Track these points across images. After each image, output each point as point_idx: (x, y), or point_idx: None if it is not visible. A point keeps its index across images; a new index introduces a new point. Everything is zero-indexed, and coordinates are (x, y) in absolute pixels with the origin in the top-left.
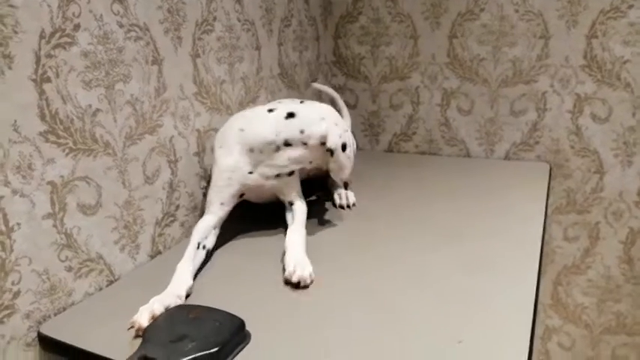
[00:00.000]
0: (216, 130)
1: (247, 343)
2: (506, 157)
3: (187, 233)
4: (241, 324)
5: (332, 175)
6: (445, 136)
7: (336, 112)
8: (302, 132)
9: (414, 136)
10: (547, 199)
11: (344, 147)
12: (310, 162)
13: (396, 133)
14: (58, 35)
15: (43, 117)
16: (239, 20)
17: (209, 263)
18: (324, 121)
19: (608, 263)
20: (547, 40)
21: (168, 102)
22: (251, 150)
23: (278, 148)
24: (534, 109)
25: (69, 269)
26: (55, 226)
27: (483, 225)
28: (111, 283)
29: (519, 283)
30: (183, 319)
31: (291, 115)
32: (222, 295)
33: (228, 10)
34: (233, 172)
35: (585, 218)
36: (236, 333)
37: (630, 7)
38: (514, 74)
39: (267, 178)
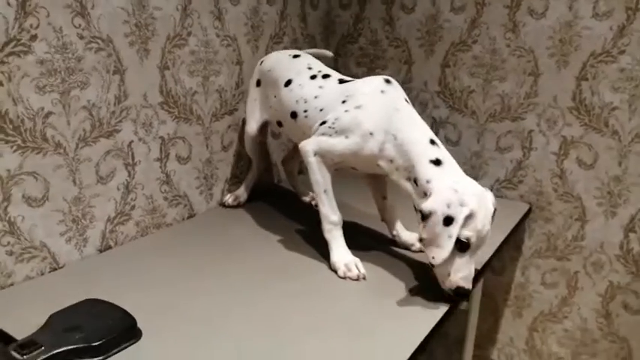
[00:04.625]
0: (182, 138)
1: (136, 341)
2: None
3: (143, 232)
4: (132, 323)
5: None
6: None
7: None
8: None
9: None
10: (523, 242)
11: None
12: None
13: None
14: (12, 44)
15: None
16: (218, 36)
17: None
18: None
19: (585, 315)
20: (536, 78)
21: (129, 109)
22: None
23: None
24: (520, 147)
25: (10, 253)
26: None
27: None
28: (54, 270)
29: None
30: (87, 312)
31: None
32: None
33: (206, 26)
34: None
35: (564, 265)
36: (125, 330)
37: (621, 52)
38: (502, 109)
39: None
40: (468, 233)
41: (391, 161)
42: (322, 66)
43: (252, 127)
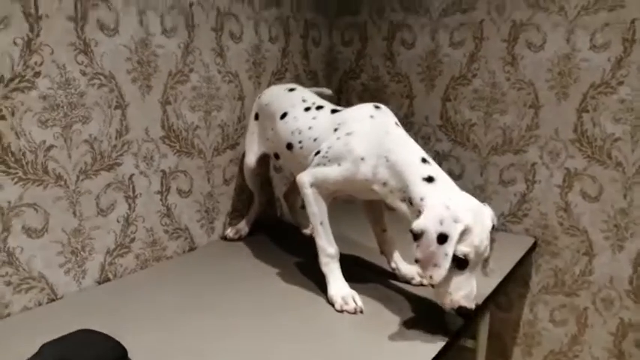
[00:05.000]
0: (183, 172)
1: None
2: (495, 228)
3: (143, 265)
4: (123, 353)
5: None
6: None
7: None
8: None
9: None
10: (530, 277)
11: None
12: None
13: None
14: (17, 80)
15: None
16: (219, 72)
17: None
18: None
19: (596, 354)
20: (537, 110)
21: (130, 143)
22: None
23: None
24: (523, 179)
25: (8, 284)
26: None
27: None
28: (52, 300)
29: None
30: (78, 342)
31: None
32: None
33: (208, 63)
34: None
35: (573, 302)
36: None
37: (620, 83)
38: (504, 142)
39: None
40: (465, 249)
41: (384, 184)
42: (316, 98)
43: (251, 159)
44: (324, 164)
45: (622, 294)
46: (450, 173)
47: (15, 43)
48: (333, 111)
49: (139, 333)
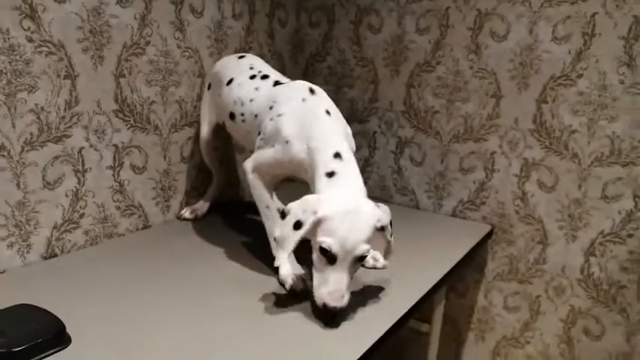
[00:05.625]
0: (137, 147)
1: (64, 348)
2: (453, 214)
3: (93, 242)
4: (60, 328)
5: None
6: (397, 185)
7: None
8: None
9: (368, 180)
10: (486, 264)
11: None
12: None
13: None
14: None
15: None
16: (179, 47)
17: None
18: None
19: (547, 341)
20: (499, 100)
21: (80, 115)
22: None
23: None
24: (482, 168)
25: None
26: None
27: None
28: None
29: None
30: (14, 316)
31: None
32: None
33: (166, 36)
34: None
35: (526, 289)
36: (52, 336)
37: (580, 76)
38: (465, 130)
39: None
40: (326, 240)
41: (306, 170)
42: (265, 67)
43: (205, 130)
44: (262, 147)
45: (573, 282)
46: (412, 159)
47: None
48: (276, 83)
49: (82, 308)
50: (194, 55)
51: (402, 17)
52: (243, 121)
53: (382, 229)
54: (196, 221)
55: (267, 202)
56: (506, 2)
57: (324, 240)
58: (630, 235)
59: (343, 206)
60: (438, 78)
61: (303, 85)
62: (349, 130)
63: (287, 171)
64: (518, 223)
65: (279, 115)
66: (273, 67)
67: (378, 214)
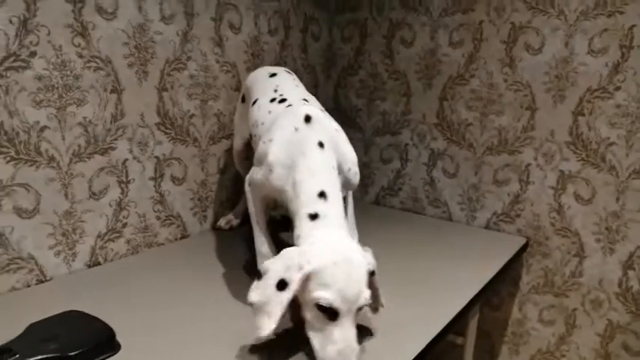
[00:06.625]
0: (178, 159)
1: (114, 354)
2: (487, 227)
3: (134, 251)
4: (111, 335)
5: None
6: (429, 197)
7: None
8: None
9: (400, 192)
10: (520, 277)
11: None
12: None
13: (384, 187)
14: (11, 59)
15: None
16: (217, 62)
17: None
18: None
19: (584, 354)
20: (533, 112)
21: (125, 128)
22: None
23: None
24: (517, 180)
25: None
26: None
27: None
28: (41, 282)
29: None
30: (66, 323)
31: None
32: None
33: (206, 51)
34: None
35: (562, 302)
36: (103, 342)
37: (617, 88)
38: (499, 142)
39: None
40: (324, 295)
41: (291, 201)
42: (291, 87)
43: (238, 142)
44: (255, 165)
45: (611, 296)
46: (445, 172)
47: (10, 22)
48: (288, 106)
49: (127, 316)
50: (232, 70)
51: (435, 31)
52: (255, 141)
53: (373, 273)
54: (232, 231)
55: (258, 217)
56: (541, 16)
57: (321, 296)
58: None
59: (333, 254)
60: (472, 91)
61: (300, 113)
62: (351, 157)
63: (274, 195)
64: (554, 235)
65: (270, 140)
66: (306, 81)
67: (368, 257)
